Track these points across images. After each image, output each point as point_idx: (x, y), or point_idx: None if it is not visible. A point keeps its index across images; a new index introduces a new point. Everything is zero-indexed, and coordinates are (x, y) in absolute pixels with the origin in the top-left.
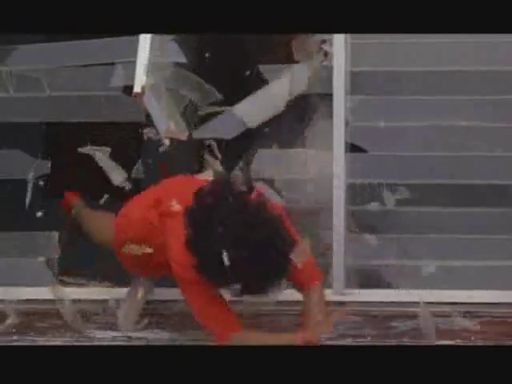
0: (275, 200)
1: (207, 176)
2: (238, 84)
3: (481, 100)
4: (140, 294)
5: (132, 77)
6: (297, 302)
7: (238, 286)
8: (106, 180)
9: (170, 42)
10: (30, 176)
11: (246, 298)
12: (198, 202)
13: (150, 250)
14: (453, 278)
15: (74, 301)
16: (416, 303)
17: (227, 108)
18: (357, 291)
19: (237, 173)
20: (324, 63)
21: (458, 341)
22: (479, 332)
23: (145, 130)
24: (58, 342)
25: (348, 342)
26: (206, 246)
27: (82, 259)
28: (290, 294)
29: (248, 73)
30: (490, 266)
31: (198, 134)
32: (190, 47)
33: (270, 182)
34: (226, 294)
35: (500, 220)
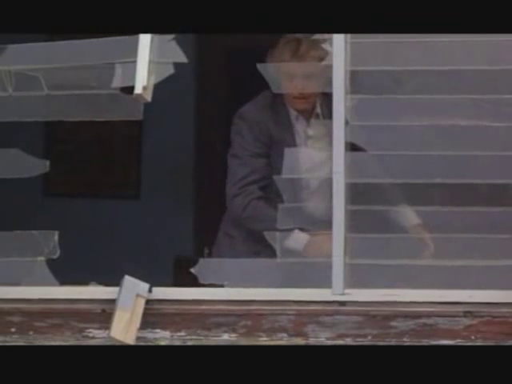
0: None
1: None
2: None
3: (481, 99)
4: None
5: (132, 77)
6: (296, 302)
7: None
8: (106, 179)
9: (170, 42)
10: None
11: None
12: None
13: None
14: (453, 278)
15: (74, 300)
16: (416, 303)
17: None
18: (357, 291)
19: None
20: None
21: (458, 341)
22: (479, 332)
23: None
24: (58, 342)
25: (348, 341)
26: None
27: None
28: (290, 294)
29: None
30: (490, 266)
31: None
32: None
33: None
34: None
35: (500, 220)
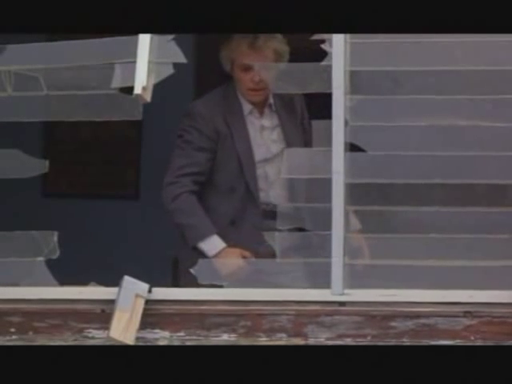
0: None
1: None
2: None
3: (480, 99)
4: None
5: (132, 77)
6: (296, 302)
7: None
8: (105, 179)
9: (169, 42)
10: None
11: None
12: None
13: None
14: (453, 278)
15: (73, 301)
16: (416, 303)
17: None
18: (356, 291)
19: None
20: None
21: (458, 341)
22: (479, 332)
23: None
24: (57, 342)
25: (348, 342)
26: None
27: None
28: (290, 294)
29: None
30: (490, 266)
31: None
32: None
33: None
34: None
35: (500, 220)
